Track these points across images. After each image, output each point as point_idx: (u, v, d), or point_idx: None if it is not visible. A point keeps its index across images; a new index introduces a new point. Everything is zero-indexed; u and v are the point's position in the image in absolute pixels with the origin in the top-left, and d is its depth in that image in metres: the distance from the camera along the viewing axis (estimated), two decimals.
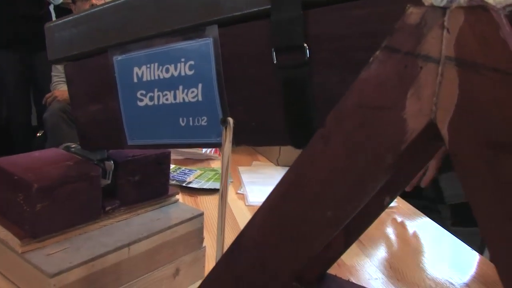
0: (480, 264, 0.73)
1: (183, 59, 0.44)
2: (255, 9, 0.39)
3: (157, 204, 0.61)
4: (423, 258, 0.73)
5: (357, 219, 0.56)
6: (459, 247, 0.77)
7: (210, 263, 0.64)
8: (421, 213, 0.90)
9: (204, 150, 1.18)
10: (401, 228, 0.83)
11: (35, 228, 0.48)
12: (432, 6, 0.24)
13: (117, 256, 0.51)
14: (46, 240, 0.50)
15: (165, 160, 0.59)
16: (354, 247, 0.75)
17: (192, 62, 0.44)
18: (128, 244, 0.52)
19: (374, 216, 0.55)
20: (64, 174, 0.50)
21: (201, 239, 0.62)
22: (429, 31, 0.24)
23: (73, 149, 0.55)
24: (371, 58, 0.26)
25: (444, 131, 0.24)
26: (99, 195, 0.53)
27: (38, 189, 0.47)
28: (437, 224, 0.85)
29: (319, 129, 0.29)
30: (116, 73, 0.49)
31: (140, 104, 0.48)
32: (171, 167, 1.09)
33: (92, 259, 0.49)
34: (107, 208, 0.54)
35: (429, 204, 1.00)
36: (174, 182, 0.99)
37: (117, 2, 0.48)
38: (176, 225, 0.58)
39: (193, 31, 0.43)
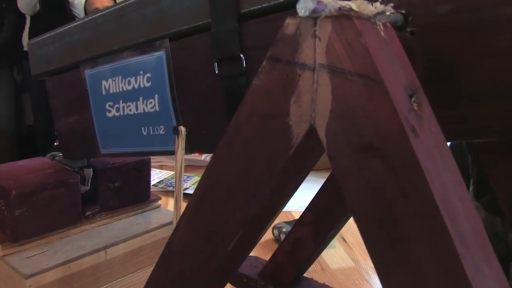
0: None
1: (141, 72, 0.46)
2: (198, 23, 0.41)
3: (139, 210, 0.63)
4: None
5: (325, 219, 0.57)
6: None
7: None
8: None
9: (203, 156, 1.20)
10: None
11: (15, 232, 0.51)
12: (306, 17, 0.24)
13: (94, 259, 0.54)
14: (27, 244, 0.52)
15: (145, 167, 0.61)
16: (341, 252, 0.75)
17: (149, 75, 0.46)
18: (105, 247, 0.54)
19: (340, 216, 0.56)
20: (43, 181, 0.53)
21: None
22: (304, 41, 0.25)
23: (57, 158, 0.58)
24: (260, 68, 0.27)
25: (322, 136, 0.25)
26: (78, 201, 0.55)
27: (16, 196, 0.50)
28: None
29: (223, 137, 0.30)
30: (87, 86, 0.52)
31: (109, 115, 0.50)
32: (169, 174, 1.12)
33: (68, 261, 0.51)
34: (87, 213, 0.56)
35: None
36: (171, 188, 1.01)
37: (85, 19, 0.50)
38: (155, 229, 0.60)
39: (148, 45, 0.45)
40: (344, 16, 0.23)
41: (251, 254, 0.70)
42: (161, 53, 0.44)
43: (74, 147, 0.55)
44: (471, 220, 0.23)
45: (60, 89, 0.55)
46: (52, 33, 0.53)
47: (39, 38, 0.55)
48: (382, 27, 0.24)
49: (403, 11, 0.30)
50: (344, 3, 0.24)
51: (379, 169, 0.23)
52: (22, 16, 1.68)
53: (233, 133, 0.29)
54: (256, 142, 0.27)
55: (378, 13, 0.24)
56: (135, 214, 0.62)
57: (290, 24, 0.25)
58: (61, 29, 0.52)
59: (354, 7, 0.24)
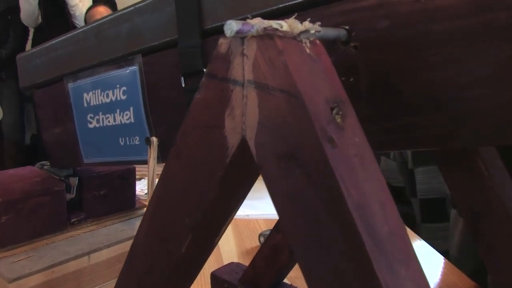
0: (445, 271, 0.71)
1: (118, 85, 0.48)
2: (167, 39, 0.43)
3: (125, 217, 0.64)
4: None
5: None
6: (427, 251, 0.76)
7: None
8: None
9: None
10: None
11: (1, 238, 0.53)
12: (234, 37, 0.26)
13: (78, 264, 0.55)
14: (13, 249, 0.54)
15: (130, 175, 0.63)
16: None
17: (124, 88, 0.47)
18: (88, 253, 0.56)
19: None
20: (30, 189, 0.55)
21: None
22: (234, 58, 0.26)
23: (46, 167, 0.60)
24: (200, 83, 0.29)
25: (252, 146, 0.26)
26: (64, 208, 0.57)
27: (3, 203, 0.52)
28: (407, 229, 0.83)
29: (173, 146, 0.31)
30: (71, 98, 0.54)
31: (90, 126, 0.52)
32: None
33: (52, 266, 0.53)
34: (73, 220, 0.58)
35: (402, 196, 0.97)
36: None
37: (67, 35, 0.53)
38: None
39: (124, 60, 0.47)
40: (267, 35, 0.24)
41: (236, 260, 0.71)
42: (134, 68, 0.46)
43: (59, 157, 0.57)
44: (391, 225, 0.24)
45: (46, 101, 0.57)
46: (39, 47, 0.56)
47: (28, 52, 0.57)
48: (308, 45, 0.26)
49: (347, 27, 0.32)
50: (271, 23, 0.25)
51: (299, 177, 0.24)
52: (26, 28, 1.73)
53: (180, 142, 0.30)
54: (199, 151, 0.29)
55: (302, 32, 0.25)
56: (120, 221, 0.63)
57: (223, 44, 0.26)
58: (47, 44, 0.54)
59: (285, 26, 0.26)
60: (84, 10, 1.58)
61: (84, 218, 0.59)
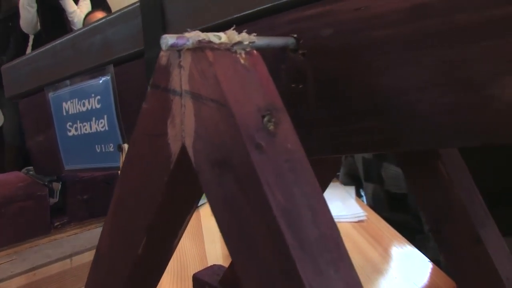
0: (432, 276, 0.71)
1: (93, 95, 0.49)
2: (136, 50, 0.44)
3: None
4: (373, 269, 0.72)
5: None
6: (411, 254, 0.76)
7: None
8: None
9: None
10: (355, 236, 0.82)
11: None
12: (171, 50, 0.27)
13: (60, 266, 0.57)
14: None
15: (113, 180, 0.64)
16: None
17: (99, 97, 0.49)
18: (71, 255, 0.58)
19: None
20: (13, 194, 0.56)
21: None
22: (173, 70, 0.27)
23: (31, 172, 0.62)
24: (146, 94, 0.30)
25: (190, 153, 0.27)
26: (47, 212, 0.58)
27: None
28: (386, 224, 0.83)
29: (127, 151, 0.32)
30: (51, 107, 0.55)
31: (69, 134, 0.54)
32: None
33: (34, 269, 0.54)
34: (56, 224, 0.60)
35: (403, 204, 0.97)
36: None
37: (47, 46, 0.54)
38: None
39: (97, 70, 0.48)
40: (200, 48, 0.25)
41: (220, 262, 0.72)
42: (107, 77, 0.47)
43: (43, 163, 0.59)
44: (321, 228, 0.25)
45: (30, 110, 0.59)
46: (23, 58, 0.58)
47: (12, 63, 0.59)
48: (244, 55, 0.27)
49: (295, 35, 0.33)
50: (208, 35, 0.26)
51: (231, 183, 0.25)
52: (26, 35, 1.76)
53: (131, 149, 0.31)
54: (147, 158, 0.30)
55: (236, 43, 0.26)
56: (103, 225, 0.65)
57: (163, 56, 0.27)
58: (29, 55, 0.56)
59: (224, 37, 0.27)
60: (83, 16, 1.60)
61: (68, 222, 0.60)
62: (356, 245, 0.79)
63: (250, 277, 0.25)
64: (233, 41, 0.27)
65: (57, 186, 0.59)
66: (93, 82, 0.48)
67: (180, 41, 0.25)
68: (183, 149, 0.27)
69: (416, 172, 0.42)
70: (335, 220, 0.73)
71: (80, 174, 0.62)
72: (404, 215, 0.96)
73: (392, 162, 1.02)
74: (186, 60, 0.26)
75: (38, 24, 1.68)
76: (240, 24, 0.35)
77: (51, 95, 0.54)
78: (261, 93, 0.26)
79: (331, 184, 1.12)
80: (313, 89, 0.32)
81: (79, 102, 0.51)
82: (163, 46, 0.26)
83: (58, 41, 0.53)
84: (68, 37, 0.51)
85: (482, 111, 0.27)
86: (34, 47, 1.71)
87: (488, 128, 0.28)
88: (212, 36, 0.26)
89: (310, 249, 0.24)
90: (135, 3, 0.43)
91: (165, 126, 0.28)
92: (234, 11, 0.35)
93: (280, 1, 0.33)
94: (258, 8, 0.34)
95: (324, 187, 0.51)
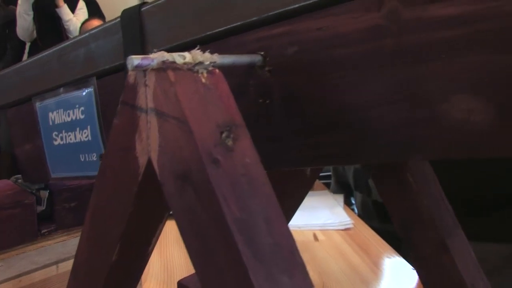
0: (417, 285, 0.73)
1: (77, 106, 0.51)
2: (117, 63, 0.46)
3: None
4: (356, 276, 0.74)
5: None
6: (397, 263, 0.77)
7: (144, 281, 0.70)
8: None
9: None
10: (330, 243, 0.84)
11: None
12: (139, 70, 0.29)
13: (45, 273, 0.59)
14: None
15: None
16: None
17: (83, 108, 0.51)
18: (56, 262, 0.59)
19: None
20: (1, 202, 0.58)
21: None
22: (139, 88, 0.29)
23: (19, 180, 0.64)
24: (117, 110, 0.32)
25: (155, 167, 0.29)
26: (34, 220, 0.60)
27: None
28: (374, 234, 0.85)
29: (100, 164, 0.35)
30: (38, 117, 0.57)
31: (55, 143, 0.56)
32: None
33: (19, 275, 0.56)
34: (43, 231, 0.61)
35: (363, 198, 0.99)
36: None
37: (34, 58, 0.56)
38: None
39: (81, 82, 0.50)
40: (163, 68, 0.28)
41: None
42: (90, 89, 0.49)
43: (30, 171, 0.61)
44: (276, 238, 0.27)
45: (18, 119, 0.61)
46: (12, 68, 0.60)
47: (1, 73, 0.61)
48: (205, 74, 0.29)
49: (262, 53, 0.35)
50: (173, 56, 0.28)
51: (191, 195, 0.27)
52: (23, 42, 1.79)
53: (104, 162, 0.33)
54: (119, 170, 0.32)
55: (197, 64, 0.28)
56: None
57: (131, 75, 0.29)
58: (17, 66, 0.58)
59: (188, 57, 0.29)
60: (79, 24, 1.63)
61: (55, 229, 0.62)
62: (341, 253, 0.81)
63: (208, 283, 0.27)
64: (196, 61, 0.29)
65: (44, 194, 0.61)
66: (77, 93, 0.50)
67: (145, 62, 0.28)
68: (149, 162, 0.29)
69: (386, 182, 0.44)
70: (322, 228, 0.78)
71: (66, 182, 0.64)
72: (391, 225, 0.97)
73: None
74: (151, 79, 0.28)
75: (35, 32, 1.71)
76: (212, 41, 0.38)
77: (38, 105, 0.56)
78: (220, 111, 0.28)
79: (320, 192, 1.15)
80: (278, 104, 0.34)
81: (64, 113, 0.53)
82: (129, 67, 0.28)
83: (45, 53, 0.55)
84: (54, 49, 0.53)
85: (434, 127, 0.29)
86: (30, 55, 1.74)
87: (440, 143, 0.30)
88: (176, 56, 0.29)
89: (264, 258, 0.26)
90: (117, 18, 0.45)
91: (133, 140, 0.30)
92: (206, 28, 0.37)
93: (249, 20, 0.35)
94: (229, 26, 0.36)
95: (301, 197, 0.52)
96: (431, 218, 0.42)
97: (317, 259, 0.79)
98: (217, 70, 0.29)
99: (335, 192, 1.11)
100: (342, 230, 0.87)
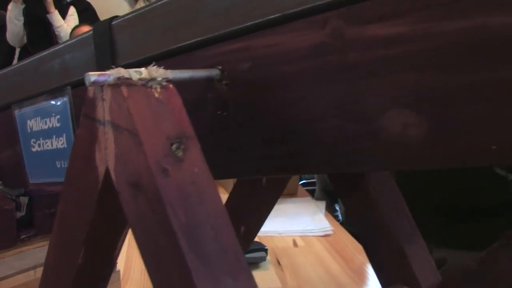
0: None
1: (53, 114, 0.54)
2: None
3: None
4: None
5: None
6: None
7: (124, 285, 0.72)
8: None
9: None
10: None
11: None
12: (96, 85, 0.32)
13: (24, 277, 0.61)
14: None
15: None
16: (272, 274, 0.80)
17: (58, 116, 0.53)
18: (34, 267, 0.62)
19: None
20: None
21: None
22: (98, 102, 0.32)
23: (0, 187, 0.66)
24: (80, 121, 0.34)
25: (112, 175, 0.31)
26: (13, 225, 0.63)
27: None
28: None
29: (66, 172, 0.37)
30: (17, 124, 0.60)
31: (33, 150, 0.58)
32: None
33: None
34: (23, 237, 0.64)
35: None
36: None
37: (14, 66, 0.59)
38: None
39: (57, 91, 0.53)
40: (117, 84, 0.30)
41: None
42: (65, 99, 0.51)
43: (10, 178, 0.63)
44: (222, 243, 0.29)
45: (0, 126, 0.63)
46: None
47: None
48: (159, 89, 0.31)
49: (220, 67, 0.37)
50: (129, 72, 0.31)
51: (143, 202, 0.29)
52: (13, 47, 1.81)
53: (69, 169, 0.36)
54: (81, 178, 0.35)
55: (151, 80, 0.31)
56: None
57: (90, 90, 0.32)
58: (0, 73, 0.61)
59: (144, 73, 0.32)
60: (69, 30, 1.66)
61: (34, 235, 0.65)
62: (320, 259, 0.83)
63: (157, 284, 0.29)
64: (151, 77, 0.31)
65: (24, 200, 0.63)
66: (53, 102, 0.53)
67: (101, 78, 0.30)
68: (107, 171, 0.32)
69: (348, 192, 0.47)
70: (302, 234, 0.82)
71: (45, 188, 0.66)
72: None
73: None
74: (107, 94, 0.30)
75: (25, 37, 1.74)
76: (177, 55, 0.40)
77: (17, 112, 0.59)
78: (172, 123, 0.30)
79: (303, 199, 1.17)
80: (234, 116, 0.37)
81: (42, 121, 0.55)
82: (87, 83, 0.30)
83: (25, 62, 0.58)
84: (33, 58, 0.56)
85: (374, 140, 0.31)
86: (20, 60, 1.77)
87: (381, 155, 0.32)
88: (133, 73, 0.31)
89: (208, 261, 0.28)
90: (89, 30, 0.48)
91: (93, 150, 0.32)
92: (171, 43, 0.40)
93: (208, 36, 0.37)
94: (191, 41, 0.39)
95: (271, 203, 0.55)
96: (389, 226, 0.45)
97: (295, 265, 0.81)
98: (171, 85, 0.32)
99: (319, 199, 1.14)
100: (322, 236, 0.90)
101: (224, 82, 0.37)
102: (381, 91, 0.30)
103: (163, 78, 0.31)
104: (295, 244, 0.88)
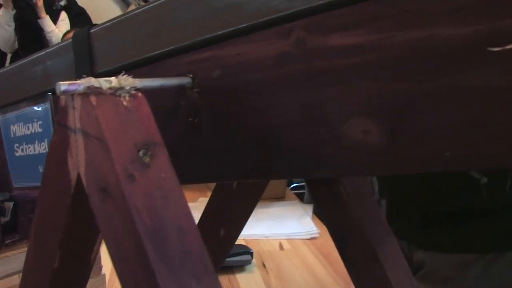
0: None
1: (35, 120, 0.55)
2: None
3: None
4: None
5: None
6: None
7: None
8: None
9: None
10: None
11: None
12: (67, 94, 0.33)
13: (8, 282, 0.62)
14: None
15: None
16: (257, 277, 0.81)
17: (40, 122, 0.55)
18: (19, 272, 0.63)
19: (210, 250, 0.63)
20: None
21: (99, 267, 0.72)
22: (69, 110, 0.33)
23: None
24: (54, 128, 0.36)
25: (83, 180, 0.33)
26: None
27: None
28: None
29: (42, 177, 0.39)
30: (1, 129, 0.62)
31: (17, 154, 0.60)
32: None
33: None
34: (7, 242, 0.65)
35: None
36: None
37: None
38: None
39: (39, 97, 0.54)
40: (86, 93, 0.32)
41: None
42: (47, 105, 0.53)
43: None
44: (186, 246, 0.31)
45: None
46: None
47: None
48: (127, 98, 0.33)
49: (191, 75, 0.39)
50: (99, 81, 0.33)
51: (111, 207, 0.31)
52: (4, 53, 1.83)
53: (45, 174, 0.38)
54: (55, 182, 0.36)
55: (119, 89, 0.32)
56: None
57: (62, 98, 0.33)
58: None
59: (114, 82, 0.33)
60: (61, 35, 1.67)
61: (19, 240, 0.66)
62: (305, 262, 0.84)
63: (125, 284, 0.31)
64: (120, 86, 0.33)
65: (8, 205, 0.65)
66: (35, 108, 0.54)
67: (71, 88, 0.32)
68: (79, 177, 0.33)
69: (321, 195, 0.48)
70: (288, 237, 0.84)
71: (29, 193, 0.67)
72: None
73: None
74: (77, 103, 0.32)
75: (16, 42, 1.75)
76: (151, 63, 0.42)
77: (1, 118, 0.60)
78: (139, 131, 0.32)
79: (291, 202, 1.19)
80: (206, 123, 0.38)
81: (24, 126, 0.57)
82: (57, 92, 0.32)
83: (9, 68, 0.59)
84: (16, 64, 0.58)
85: (337, 147, 0.33)
86: None
87: (343, 161, 0.34)
88: (103, 82, 0.33)
89: (173, 264, 0.30)
90: (69, 38, 0.49)
91: (66, 156, 0.34)
92: (145, 51, 0.42)
93: (180, 45, 0.39)
94: (165, 50, 0.40)
95: (251, 206, 0.56)
96: (362, 228, 0.46)
97: (280, 268, 0.83)
98: (139, 94, 0.33)
99: (308, 202, 1.15)
100: (308, 239, 0.91)
101: (195, 90, 0.38)
102: (342, 99, 0.32)
103: (131, 87, 0.33)
104: (281, 247, 0.90)
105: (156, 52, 0.41)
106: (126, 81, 0.33)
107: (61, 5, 1.90)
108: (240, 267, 0.80)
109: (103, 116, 0.31)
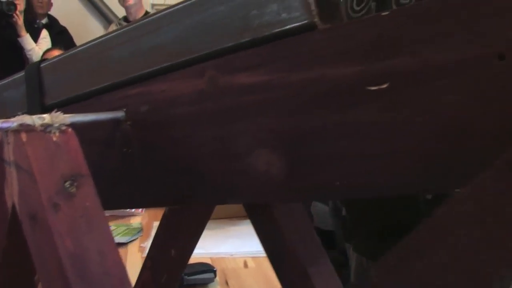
0: None
1: None
2: (22, 112, 0.55)
3: None
4: None
5: (160, 263, 0.69)
6: None
7: None
8: None
9: None
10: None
11: None
12: (2, 130, 0.38)
13: None
14: None
15: None
16: None
17: None
18: None
19: (174, 261, 0.66)
20: None
21: None
22: (5, 145, 0.38)
23: None
24: None
25: (17, 208, 0.37)
26: None
27: None
28: None
29: None
30: None
31: None
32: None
33: None
34: None
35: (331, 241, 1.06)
36: None
37: None
38: None
39: None
40: (17, 130, 0.36)
41: None
42: None
43: None
44: (106, 268, 0.35)
45: None
46: None
47: None
48: (57, 134, 0.38)
49: (124, 109, 0.44)
50: (32, 118, 0.37)
51: (39, 233, 0.35)
52: None
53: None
54: None
55: (49, 125, 0.37)
56: None
57: None
58: None
59: (47, 119, 0.38)
60: (41, 53, 1.72)
61: None
62: (267, 280, 0.88)
63: None
64: (51, 123, 0.37)
65: None
66: None
67: (5, 125, 0.36)
68: (14, 205, 0.38)
69: (256, 218, 0.53)
70: (254, 255, 0.89)
71: None
72: (332, 251, 1.05)
73: (319, 200, 1.13)
74: (11, 139, 0.37)
75: None
76: (91, 98, 0.47)
77: None
78: (67, 163, 0.36)
79: None
80: (138, 153, 0.43)
81: None
82: None
83: None
84: None
85: (245, 176, 0.38)
86: None
87: (252, 190, 0.38)
88: (36, 119, 0.37)
89: (93, 285, 0.34)
90: (22, 71, 0.54)
91: (3, 186, 0.39)
92: (86, 86, 0.46)
93: (115, 81, 0.44)
94: (102, 85, 0.45)
95: (199, 227, 0.60)
96: (295, 250, 0.51)
97: (243, 286, 0.87)
98: (69, 130, 0.38)
99: None
100: None
101: (128, 123, 0.43)
102: (248, 133, 0.37)
103: (61, 124, 0.37)
104: (245, 265, 0.94)
105: (96, 88, 0.46)
106: (57, 118, 0.38)
107: (42, 23, 1.96)
108: (203, 285, 0.84)
109: (32, 151, 0.35)
